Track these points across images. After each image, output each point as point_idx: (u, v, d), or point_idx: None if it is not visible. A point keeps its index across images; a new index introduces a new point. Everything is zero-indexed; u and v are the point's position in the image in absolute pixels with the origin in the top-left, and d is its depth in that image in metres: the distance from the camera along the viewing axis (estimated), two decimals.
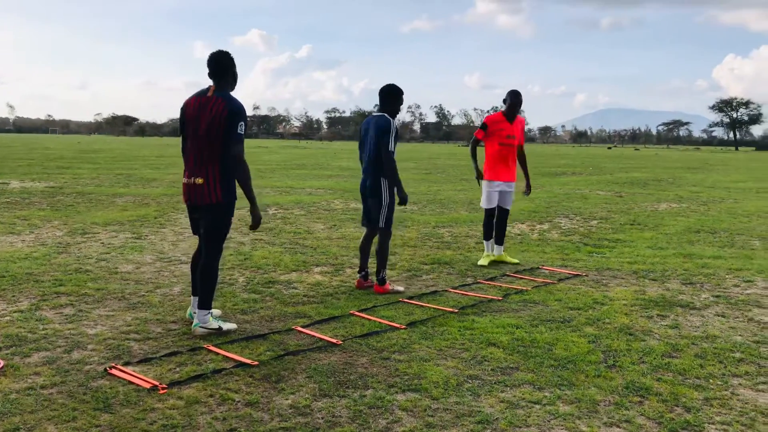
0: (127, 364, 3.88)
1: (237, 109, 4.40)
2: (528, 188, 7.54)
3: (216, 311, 4.79)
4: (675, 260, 7.43)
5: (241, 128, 4.39)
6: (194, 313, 4.59)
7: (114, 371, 3.74)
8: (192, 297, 4.71)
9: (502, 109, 7.21)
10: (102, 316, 4.88)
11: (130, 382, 3.58)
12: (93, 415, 3.18)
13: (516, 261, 7.22)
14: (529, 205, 12.23)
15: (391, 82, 5.96)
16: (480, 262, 7.12)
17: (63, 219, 9.87)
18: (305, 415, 3.26)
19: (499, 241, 7.28)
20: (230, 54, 4.54)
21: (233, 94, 4.55)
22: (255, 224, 4.62)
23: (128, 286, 5.78)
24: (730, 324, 4.94)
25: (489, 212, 7.27)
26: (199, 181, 4.45)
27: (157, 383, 3.55)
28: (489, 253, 7.26)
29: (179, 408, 3.29)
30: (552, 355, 4.15)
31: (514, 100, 7.05)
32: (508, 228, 8.11)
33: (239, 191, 4.57)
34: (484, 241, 7.32)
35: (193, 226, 4.75)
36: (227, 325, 4.54)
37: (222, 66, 4.48)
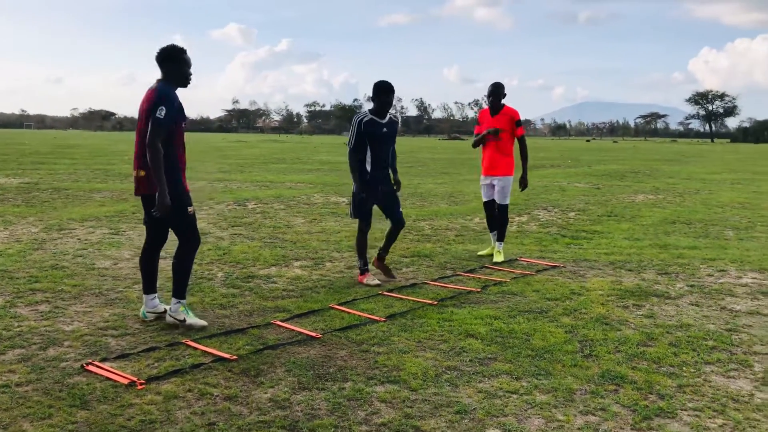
0: (104, 360, 3.85)
1: (160, 94, 4.38)
2: (522, 183, 7.27)
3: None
4: (651, 251, 7.53)
5: (160, 113, 4.31)
6: (148, 312, 4.64)
7: (91, 368, 3.71)
8: (145, 295, 4.70)
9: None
10: (78, 312, 4.83)
11: (108, 378, 3.56)
12: (69, 412, 3.16)
13: (499, 260, 6.95)
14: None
15: (383, 79, 6.05)
16: (479, 252, 7.31)
17: (38, 215, 9.74)
18: (284, 408, 3.26)
19: (499, 237, 7.13)
20: (175, 50, 4.52)
21: (181, 90, 4.59)
22: (158, 210, 4.38)
23: (105, 282, 5.73)
24: (703, 313, 5.03)
25: (484, 205, 7.30)
26: (142, 173, 4.47)
27: (134, 379, 3.54)
28: (493, 245, 7.24)
29: (157, 403, 3.28)
30: (529, 345, 4.20)
31: (488, 91, 7.07)
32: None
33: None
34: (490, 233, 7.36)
35: (147, 218, 4.71)
36: (194, 320, 4.52)
37: (161, 60, 4.50)
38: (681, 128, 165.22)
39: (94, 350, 4.04)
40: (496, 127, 6.95)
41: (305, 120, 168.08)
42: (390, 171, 6.10)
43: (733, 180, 18.96)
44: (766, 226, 9.64)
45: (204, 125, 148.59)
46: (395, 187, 6.11)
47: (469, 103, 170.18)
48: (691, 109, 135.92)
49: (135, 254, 6.98)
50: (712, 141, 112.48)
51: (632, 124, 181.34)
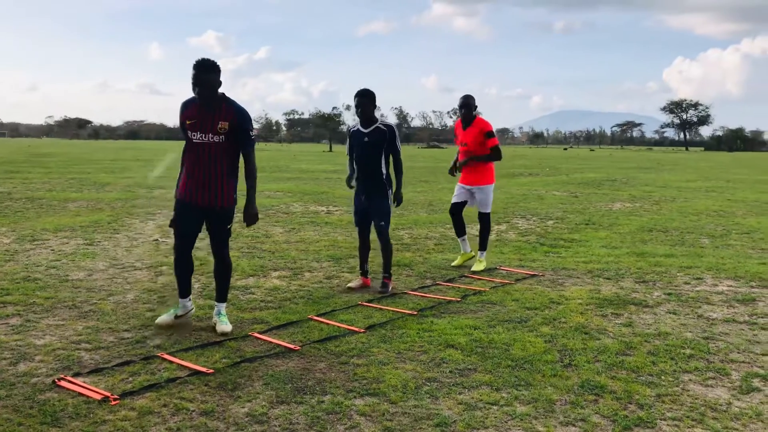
0: (76, 375, 3.76)
1: (246, 111, 4.72)
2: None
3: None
4: (628, 259, 7.58)
5: (253, 130, 4.83)
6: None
7: (63, 383, 3.62)
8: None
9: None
10: (51, 325, 4.73)
11: (80, 394, 3.48)
12: (40, 430, 3.07)
13: (479, 269, 6.91)
14: None
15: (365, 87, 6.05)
16: (453, 263, 7.24)
17: (11, 225, 9.55)
18: (262, 422, 3.21)
19: (481, 246, 7.11)
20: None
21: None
22: (248, 220, 4.83)
23: (79, 294, 5.62)
24: (681, 321, 5.07)
25: (452, 206, 7.23)
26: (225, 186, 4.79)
27: (108, 394, 3.45)
28: (463, 251, 7.23)
29: (131, 419, 3.21)
30: (509, 355, 4.19)
31: (459, 104, 7.07)
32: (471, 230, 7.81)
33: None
34: (458, 238, 7.32)
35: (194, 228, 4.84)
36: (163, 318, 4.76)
37: (217, 71, 4.63)
38: (656, 136, 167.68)
39: (66, 365, 3.94)
40: (471, 158, 6.99)
41: (284, 128, 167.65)
42: (390, 181, 6.02)
43: (707, 188, 19.24)
44: (741, 234, 9.78)
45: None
46: (395, 202, 6.05)
47: (448, 112, 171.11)
48: (666, 118, 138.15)
49: (110, 265, 6.87)
50: (687, 149, 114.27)
51: (609, 133, 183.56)
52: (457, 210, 7.19)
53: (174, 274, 4.91)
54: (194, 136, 4.59)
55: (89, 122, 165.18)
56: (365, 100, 5.88)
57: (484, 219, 7.11)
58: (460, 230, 7.21)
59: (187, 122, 4.60)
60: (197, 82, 4.47)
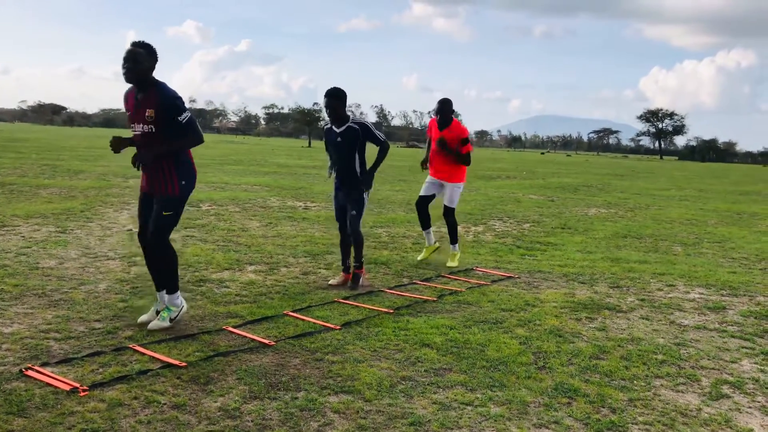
0: (45, 364, 3.69)
1: None
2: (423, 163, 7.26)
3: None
4: (603, 264, 7.66)
5: None
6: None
7: (30, 372, 3.54)
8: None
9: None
10: (19, 313, 4.62)
11: (48, 384, 3.40)
12: (5, 420, 3.00)
13: (454, 264, 7.08)
14: (465, 207, 12.39)
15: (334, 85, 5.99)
16: (418, 258, 7.30)
17: None
18: (234, 418, 3.17)
19: (452, 240, 7.26)
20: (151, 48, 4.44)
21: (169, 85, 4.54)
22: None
23: (50, 283, 5.51)
24: (653, 327, 5.13)
25: (419, 199, 7.27)
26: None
27: (77, 385, 3.39)
28: (428, 245, 7.30)
29: (101, 411, 3.15)
30: (484, 356, 4.20)
31: (436, 108, 7.08)
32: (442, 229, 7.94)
33: None
34: (423, 231, 7.37)
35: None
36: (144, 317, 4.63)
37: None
38: (632, 144, 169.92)
39: (34, 354, 3.86)
40: (443, 138, 6.99)
41: (263, 122, 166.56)
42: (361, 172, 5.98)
43: (681, 196, 19.54)
44: (712, 243, 9.93)
45: None
46: (364, 186, 5.97)
47: (428, 112, 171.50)
48: (642, 126, 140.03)
49: (83, 254, 6.75)
50: (661, 158, 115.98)
51: (585, 139, 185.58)
52: (424, 203, 7.27)
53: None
54: (132, 128, 4.45)
55: (64, 108, 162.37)
56: (334, 101, 5.82)
57: (450, 214, 7.23)
58: (426, 223, 7.30)
59: (127, 113, 4.49)
60: (129, 60, 4.31)
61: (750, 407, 3.63)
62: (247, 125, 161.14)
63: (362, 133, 5.89)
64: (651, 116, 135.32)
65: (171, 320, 4.51)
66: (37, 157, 22.00)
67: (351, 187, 5.99)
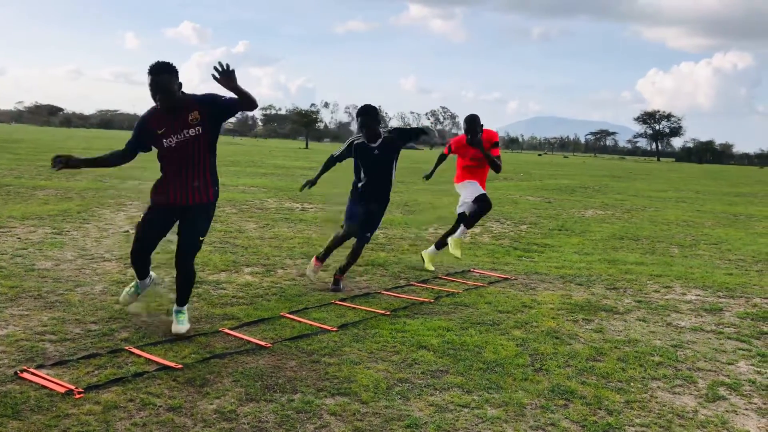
0: (40, 367, 3.67)
1: None
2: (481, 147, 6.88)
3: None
4: (600, 266, 7.66)
5: None
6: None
7: (25, 375, 3.52)
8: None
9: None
10: (15, 315, 4.61)
11: (43, 387, 3.39)
12: (0, 422, 2.98)
13: (455, 253, 6.95)
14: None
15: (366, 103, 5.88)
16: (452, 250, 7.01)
17: None
18: (230, 420, 3.16)
19: (468, 226, 7.04)
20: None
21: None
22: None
23: (45, 284, 5.49)
24: (650, 328, 5.13)
25: (475, 200, 6.99)
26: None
27: (72, 387, 3.37)
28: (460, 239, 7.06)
29: (96, 414, 3.13)
30: (481, 358, 4.19)
31: (464, 127, 6.79)
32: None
33: None
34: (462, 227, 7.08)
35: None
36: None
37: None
38: (629, 146, 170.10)
39: (29, 356, 3.84)
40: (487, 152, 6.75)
41: (260, 123, 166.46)
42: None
43: (677, 198, 19.57)
44: (709, 244, 9.95)
45: None
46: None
47: (426, 114, 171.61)
48: (640, 128, 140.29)
49: (79, 255, 6.74)
50: (659, 160, 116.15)
51: (583, 141, 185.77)
52: (485, 206, 6.99)
53: (131, 263, 4.80)
54: (168, 142, 4.30)
55: (61, 109, 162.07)
56: (368, 119, 5.73)
57: (488, 199, 6.97)
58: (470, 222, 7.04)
59: (158, 132, 4.30)
60: (157, 88, 4.14)
61: (746, 409, 3.63)
62: (244, 126, 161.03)
63: (398, 135, 5.78)
64: (648, 118, 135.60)
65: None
66: (33, 158, 21.94)
67: (381, 203, 5.94)
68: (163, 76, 4.15)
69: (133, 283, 4.85)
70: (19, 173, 16.06)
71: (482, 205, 6.95)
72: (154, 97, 4.21)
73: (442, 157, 7.32)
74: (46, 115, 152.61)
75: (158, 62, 4.19)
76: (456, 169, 7.15)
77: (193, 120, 4.26)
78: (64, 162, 4.23)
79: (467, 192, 7.04)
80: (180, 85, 4.25)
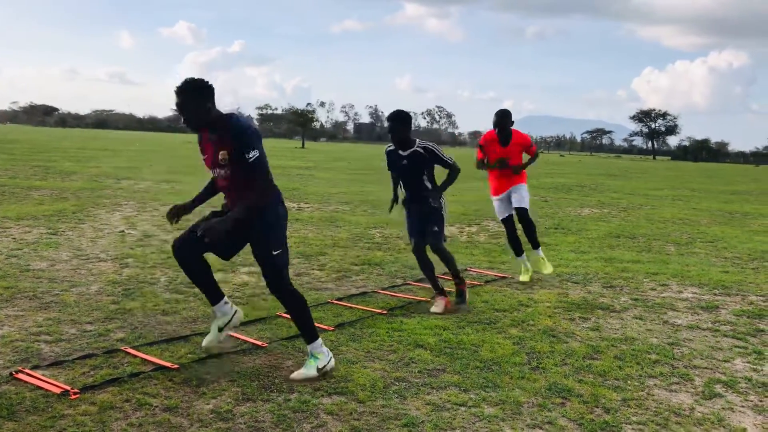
0: (35, 367, 3.65)
1: None
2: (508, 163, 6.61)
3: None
4: (596, 264, 7.67)
5: None
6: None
7: (21, 375, 3.51)
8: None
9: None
10: (10, 316, 4.59)
11: (39, 387, 3.37)
12: None
13: (549, 271, 6.75)
14: (458, 208, 12.39)
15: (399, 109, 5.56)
16: (521, 278, 6.64)
17: None
18: (227, 420, 3.15)
19: (534, 245, 6.80)
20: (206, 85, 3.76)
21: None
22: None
23: (41, 285, 5.47)
24: (646, 326, 5.13)
25: (504, 224, 6.83)
26: None
27: (68, 388, 3.36)
28: (525, 268, 6.70)
29: (92, 414, 3.12)
30: (478, 356, 4.19)
31: (494, 122, 6.53)
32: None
33: None
34: (516, 258, 6.80)
35: None
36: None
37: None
38: (625, 145, 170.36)
39: (25, 357, 3.83)
40: (503, 158, 6.57)
41: (257, 123, 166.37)
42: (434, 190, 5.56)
43: (673, 196, 19.60)
44: (705, 242, 9.97)
45: (152, 125, 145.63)
46: (432, 200, 5.50)
47: (422, 113, 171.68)
48: (635, 127, 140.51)
49: (74, 255, 6.71)
50: (654, 158, 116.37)
51: (579, 139, 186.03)
52: (511, 227, 6.76)
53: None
54: (214, 172, 3.90)
55: (56, 109, 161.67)
56: (397, 124, 5.41)
57: (525, 214, 6.67)
58: (519, 249, 6.76)
59: (203, 157, 3.92)
60: (178, 109, 3.76)
61: (743, 406, 3.63)
62: None
63: (429, 157, 5.47)
64: (644, 116, 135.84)
65: (318, 370, 3.76)
66: (28, 159, 21.88)
67: (423, 203, 5.55)
68: (181, 97, 3.69)
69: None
70: (14, 173, 16.01)
71: (515, 224, 6.74)
72: (180, 117, 3.81)
73: (480, 164, 6.81)
74: (41, 115, 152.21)
75: (184, 80, 3.73)
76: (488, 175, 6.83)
77: (223, 160, 3.75)
78: (180, 213, 4.08)
79: (497, 212, 6.88)
80: (208, 108, 3.72)
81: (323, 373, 3.74)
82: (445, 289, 5.56)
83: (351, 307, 5.28)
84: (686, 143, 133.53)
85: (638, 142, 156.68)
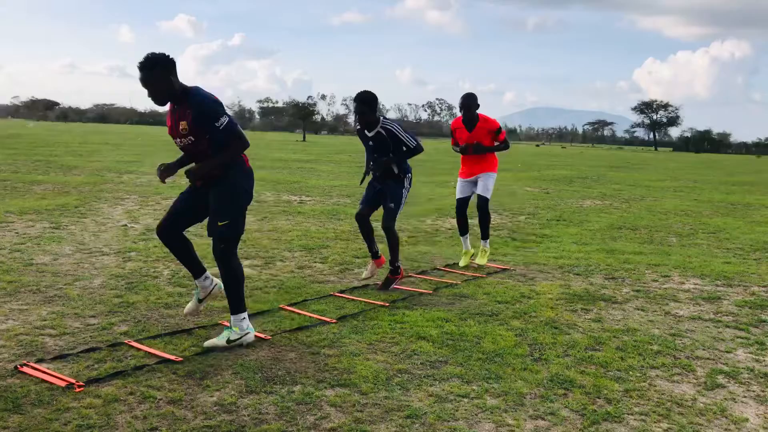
0: (40, 361, 3.67)
1: None
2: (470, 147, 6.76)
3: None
4: (598, 256, 7.67)
5: None
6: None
7: (25, 369, 3.53)
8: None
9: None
10: (14, 310, 4.61)
11: (43, 381, 3.39)
12: (1, 417, 2.99)
13: (483, 262, 6.86)
14: None
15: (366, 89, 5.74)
16: (461, 264, 6.85)
17: None
18: (230, 412, 3.17)
19: (483, 235, 6.96)
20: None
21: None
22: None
23: (44, 279, 5.49)
24: (648, 317, 5.14)
25: (457, 204, 6.95)
26: None
27: (72, 381, 3.38)
28: (466, 249, 6.93)
29: (96, 407, 3.14)
30: (480, 348, 4.20)
31: (460, 103, 6.74)
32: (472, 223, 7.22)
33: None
34: (461, 237, 7.01)
35: None
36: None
37: None
38: (627, 136, 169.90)
39: (29, 350, 3.85)
40: (478, 143, 6.69)
41: (257, 116, 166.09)
42: (405, 169, 5.82)
43: (675, 188, 19.58)
44: (707, 233, 9.96)
45: (152, 118, 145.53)
46: (374, 166, 5.76)
47: (423, 105, 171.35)
48: (637, 118, 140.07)
49: (77, 249, 6.73)
50: (656, 149, 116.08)
51: (580, 131, 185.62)
52: (464, 207, 6.94)
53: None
54: (176, 141, 4.14)
55: (57, 104, 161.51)
56: (364, 107, 5.59)
57: (484, 204, 6.84)
58: (464, 228, 6.96)
59: (168, 126, 4.17)
60: (142, 84, 3.96)
61: (745, 396, 3.64)
62: (241, 119, 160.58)
63: (391, 139, 5.65)
64: (645, 108, 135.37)
65: (228, 341, 4.03)
66: (30, 153, 21.89)
67: (390, 181, 5.76)
68: (144, 72, 3.92)
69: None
70: (16, 168, 16.02)
71: (467, 208, 6.98)
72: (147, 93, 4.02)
73: (455, 149, 7.00)
74: (42, 109, 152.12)
75: (145, 56, 3.94)
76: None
77: (183, 130, 4.03)
78: (169, 171, 4.19)
79: (457, 190, 7.07)
80: (170, 81, 3.95)
81: (232, 345, 4.03)
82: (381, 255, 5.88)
83: (353, 300, 5.29)
84: (688, 134, 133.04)
85: (640, 133, 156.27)
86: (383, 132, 5.66)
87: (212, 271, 4.65)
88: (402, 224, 9.57)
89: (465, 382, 3.65)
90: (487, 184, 6.84)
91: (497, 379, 3.70)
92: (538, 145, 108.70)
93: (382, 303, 5.18)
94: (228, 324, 4.17)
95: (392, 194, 5.77)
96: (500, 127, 6.85)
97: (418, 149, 5.77)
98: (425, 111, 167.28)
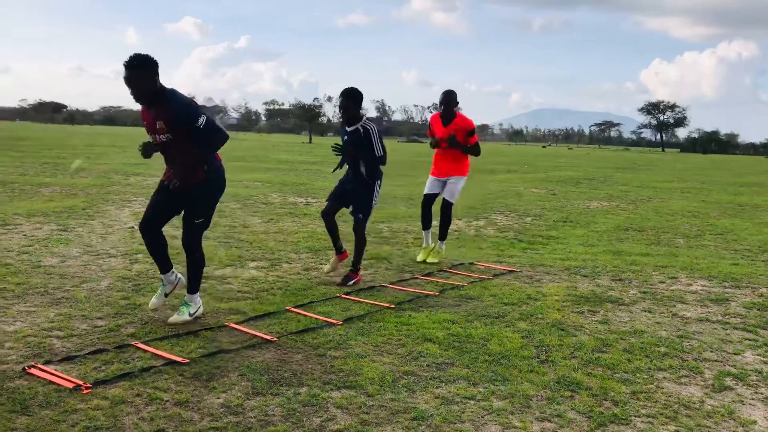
0: (47, 362, 3.69)
1: None
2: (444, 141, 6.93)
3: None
4: (605, 257, 7.65)
5: None
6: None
7: (33, 371, 3.55)
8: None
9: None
10: (22, 312, 4.63)
11: (51, 382, 3.41)
12: (8, 418, 3.00)
13: (435, 261, 7.01)
14: (466, 201, 12.38)
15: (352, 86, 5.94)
16: (418, 258, 7.11)
17: None
18: (237, 414, 3.17)
19: (441, 236, 7.21)
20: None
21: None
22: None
23: (52, 281, 5.52)
24: (656, 319, 5.12)
25: (424, 198, 7.22)
26: None
27: (80, 383, 3.39)
28: (426, 244, 7.18)
29: (104, 408, 3.15)
30: (486, 350, 4.20)
31: (440, 99, 7.03)
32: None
33: None
34: (423, 231, 7.25)
35: None
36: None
37: None
38: (634, 137, 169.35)
39: (37, 352, 3.86)
40: (452, 135, 6.88)
41: (264, 118, 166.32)
42: (377, 175, 5.99)
43: (683, 189, 19.49)
44: (715, 235, 9.92)
45: None
46: (368, 187, 5.98)
47: (428, 107, 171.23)
48: (644, 119, 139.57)
49: (84, 251, 6.76)
50: (663, 150, 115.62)
51: (587, 132, 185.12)
52: (429, 202, 7.19)
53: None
54: (151, 137, 4.46)
55: (65, 106, 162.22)
56: (348, 101, 5.80)
57: (447, 208, 7.11)
58: (427, 223, 7.18)
59: (144, 125, 4.48)
60: (126, 83, 4.23)
61: (753, 399, 3.62)
62: (248, 121, 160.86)
63: (365, 138, 5.83)
64: (652, 108, 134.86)
65: (190, 314, 4.60)
66: (38, 156, 21.99)
67: (360, 185, 5.95)
68: (130, 71, 4.19)
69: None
70: (24, 170, 16.10)
71: (432, 204, 7.21)
72: (129, 91, 4.28)
73: (431, 142, 7.19)
74: (50, 112, 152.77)
75: (131, 56, 4.21)
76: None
77: (161, 129, 4.34)
78: (152, 148, 4.50)
79: (426, 186, 7.30)
80: (154, 81, 4.24)
81: (195, 318, 4.58)
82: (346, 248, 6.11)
83: (359, 302, 5.29)
84: (695, 135, 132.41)
85: (647, 134, 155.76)
86: (361, 130, 5.85)
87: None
88: (408, 226, 9.57)
89: (471, 384, 3.64)
90: (453, 189, 7.11)
91: (504, 381, 3.69)
92: (544, 147, 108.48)
93: (388, 305, 5.18)
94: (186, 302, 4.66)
95: (362, 204, 5.97)
96: (474, 129, 7.06)
97: (381, 160, 5.98)
98: (431, 112, 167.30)
